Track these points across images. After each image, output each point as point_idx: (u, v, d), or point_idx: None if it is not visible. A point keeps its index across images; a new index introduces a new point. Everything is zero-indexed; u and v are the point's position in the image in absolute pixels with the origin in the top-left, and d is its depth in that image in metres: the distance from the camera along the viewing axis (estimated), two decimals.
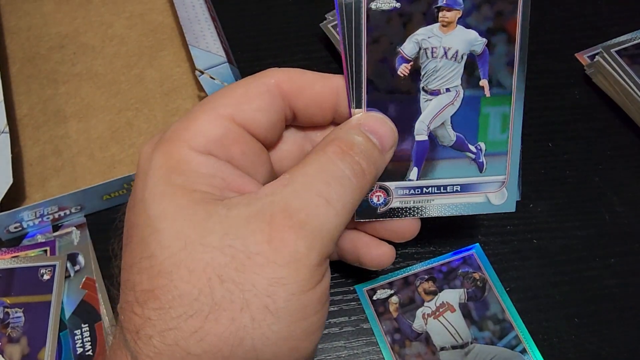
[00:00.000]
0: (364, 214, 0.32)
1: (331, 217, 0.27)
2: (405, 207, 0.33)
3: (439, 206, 0.33)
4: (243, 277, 0.25)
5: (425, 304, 0.39)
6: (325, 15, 0.51)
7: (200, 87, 0.46)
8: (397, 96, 0.31)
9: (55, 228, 0.43)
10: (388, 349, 0.37)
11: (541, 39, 0.51)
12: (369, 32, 0.30)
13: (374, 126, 0.30)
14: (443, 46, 0.30)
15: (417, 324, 0.38)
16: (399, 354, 0.37)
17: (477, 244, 0.41)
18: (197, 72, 0.45)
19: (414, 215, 0.33)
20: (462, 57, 0.31)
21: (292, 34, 0.52)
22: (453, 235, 0.42)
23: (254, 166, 0.30)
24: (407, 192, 0.32)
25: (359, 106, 0.31)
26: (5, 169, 0.39)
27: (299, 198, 0.26)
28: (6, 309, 0.38)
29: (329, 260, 0.28)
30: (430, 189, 0.32)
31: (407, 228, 0.34)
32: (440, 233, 0.41)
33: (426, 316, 0.38)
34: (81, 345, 0.38)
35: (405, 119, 0.31)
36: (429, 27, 0.30)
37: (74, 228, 0.42)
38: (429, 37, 0.30)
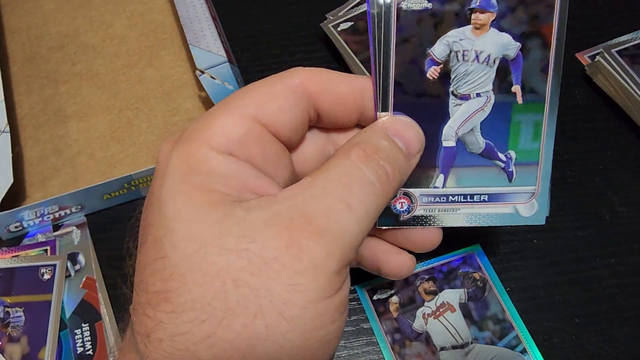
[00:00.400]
0: (386, 221, 0.31)
1: (352, 224, 0.26)
2: (430, 216, 0.31)
3: (465, 216, 0.31)
4: (258, 282, 0.24)
5: (426, 303, 0.39)
6: (326, 15, 0.51)
7: (200, 87, 0.46)
8: (426, 100, 0.30)
9: (56, 227, 0.43)
10: (388, 348, 0.37)
11: None
12: (399, 32, 0.29)
13: (400, 130, 0.29)
14: (475, 49, 0.29)
15: (418, 324, 0.38)
16: (399, 353, 0.37)
17: (478, 244, 0.41)
18: (197, 72, 0.45)
19: (437, 225, 0.32)
20: (494, 62, 0.30)
21: (293, 33, 0.52)
22: (453, 235, 0.42)
23: (274, 168, 0.29)
24: (432, 200, 0.31)
25: (385, 109, 0.30)
26: (5, 168, 0.40)
27: (320, 203, 0.26)
28: (6, 309, 0.38)
29: (349, 268, 0.27)
30: (456, 197, 0.31)
31: (429, 238, 0.32)
32: None
33: (426, 316, 0.38)
34: (81, 344, 0.38)
35: (433, 124, 0.30)
36: (460, 29, 0.29)
37: (75, 227, 0.42)
38: (460, 40, 0.29)
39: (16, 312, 0.38)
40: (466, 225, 0.32)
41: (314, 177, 0.27)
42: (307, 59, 0.51)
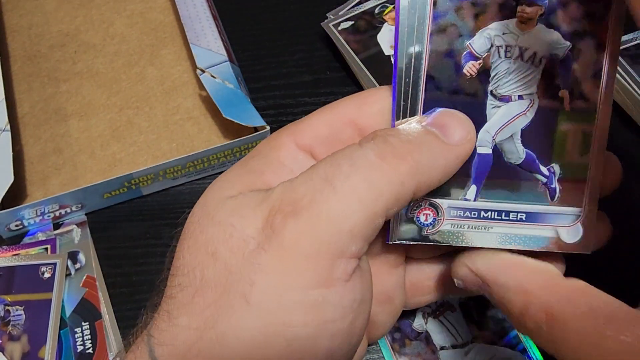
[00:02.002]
0: (408, 234, 0.27)
1: (335, 203, 0.23)
2: (458, 232, 0.27)
3: (498, 236, 0.27)
4: (234, 259, 0.23)
5: None
6: (327, 14, 0.51)
7: (201, 86, 0.46)
8: (460, 98, 0.26)
9: (56, 226, 0.43)
10: (388, 348, 0.37)
11: None
12: (435, 20, 0.25)
13: (434, 117, 0.26)
14: (519, 45, 0.26)
15: (417, 323, 0.38)
16: (399, 353, 0.37)
17: None
18: (198, 71, 0.45)
19: (467, 244, 0.27)
20: (540, 61, 0.26)
21: (293, 32, 0.52)
22: None
23: None
24: (462, 214, 0.27)
25: (413, 113, 0.26)
26: (6, 167, 0.40)
27: (308, 182, 0.24)
28: (7, 307, 0.38)
29: (350, 266, 0.24)
30: (489, 213, 0.27)
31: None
32: None
33: (426, 315, 0.38)
34: (81, 343, 0.38)
35: None
36: (504, 22, 0.26)
37: (75, 226, 0.42)
38: (503, 34, 0.26)
39: (16, 310, 0.38)
40: (498, 247, 0.27)
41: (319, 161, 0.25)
42: (308, 58, 0.51)
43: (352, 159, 0.24)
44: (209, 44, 0.46)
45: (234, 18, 0.53)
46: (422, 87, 0.26)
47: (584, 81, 0.26)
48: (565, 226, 0.27)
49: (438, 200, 0.27)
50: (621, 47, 0.46)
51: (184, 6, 0.49)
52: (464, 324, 0.38)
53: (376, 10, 0.51)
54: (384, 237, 0.27)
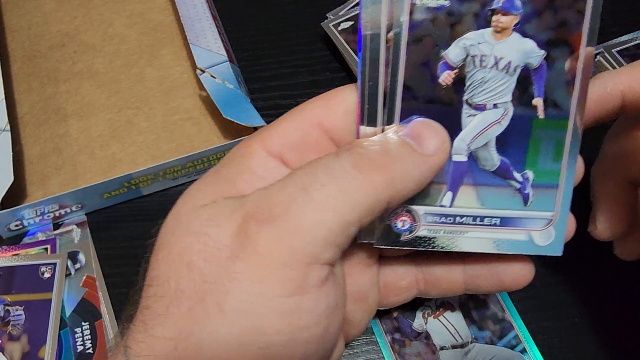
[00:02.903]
0: (385, 239, 0.28)
1: (309, 211, 0.23)
2: (434, 237, 0.28)
3: (473, 240, 0.28)
4: (209, 267, 0.24)
5: (426, 303, 0.39)
6: (327, 14, 0.51)
7: (201, 86, 0.46)
8: (436, 107, 0.27)
9: (56, 226, 0.43)
10: (388, 348, 0.37)
11: None
12: (411, 29, 0.26)
13: (409, 127, 0.26)
14: (494, 55, 0.26)
15: (417, 323, 0.38)
16: (398, 353, 0.37)
17: None
18: (198, 71, 0.45)
19: (443, 248, 0.28)
20: (514, 70, 0.27)
21: (293, 32, 0.52)
22: None
23: None
24: (438, 220, 0.28)
25: (390, 121, 0.27)
26: (6, 167, 0.40)
27: (284, 191, 0.24)
28: (7, 307, 0.38)
29: (323, 272, 0.24)
30: (464, 218, 0.28)
31: (522, 275, 0.30)
32: None
33: (426, 315, 0.38)
34: (82, 343, 0.38)
35: None
36: (480, 31, 0.26)
37: (75, 226, 0.42)
38: (478, 43, 0.26)
39: (16, 310, 0.38)
40: (473, 251, 0.28)
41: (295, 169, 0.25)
42: (308, 58, 0.51)
43: (328, 169, 0.24)
44: (209, 44, 0.46)
45: (234, 18, 0.53)
46: (398, 101, 0.26)
47: (558, 89, 0.27)
48: (538, 230, 0.28)
49: (414, 207, 0.28)
50: (621, 47, 0.46)
51: (184, 6, 0.48)
52: (464, 324, 0.38)
53: None
54: (355, 237, 0.27)
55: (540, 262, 0.41)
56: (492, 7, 0.26)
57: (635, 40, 0.47)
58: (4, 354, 0.37)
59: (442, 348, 0.37)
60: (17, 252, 0.41)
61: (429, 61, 0.26)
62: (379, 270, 0.31)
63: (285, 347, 0.24)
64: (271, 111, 0.48)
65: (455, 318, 0.38)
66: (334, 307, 0.25)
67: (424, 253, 0.30)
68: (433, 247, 0.28)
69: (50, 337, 0.37)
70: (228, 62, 0.45)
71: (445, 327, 0.38)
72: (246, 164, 0.27)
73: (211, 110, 0.46)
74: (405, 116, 0.27)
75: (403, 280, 0.32)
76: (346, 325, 0.30)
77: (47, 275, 0.40)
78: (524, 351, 0.37)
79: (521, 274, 0.30)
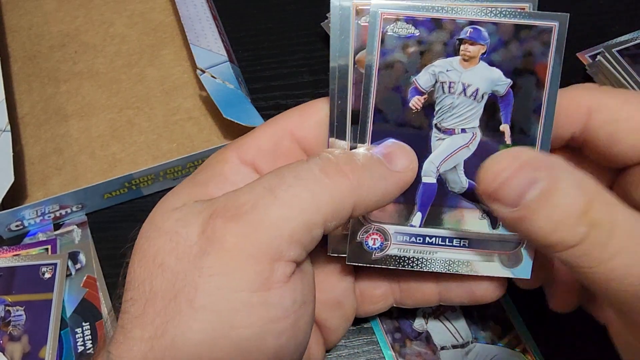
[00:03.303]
0: (356, 257, 0.29)
1: (275, 209, 0.24)
2: (404, 257, 0.29)
3: (442, 261, 0.29)
4: (180, 266, 0.24)
5: None
6: (327, 15, 0.51)
7: (201, 86, 0.46)
8: (406, 130, 0.28)
9: (57, 226, 0.43)
10: (388, 348, 0.37)
11: None
12: (382, 56, 0.27)
13: (380, 146, 0.27)
14: (462, 82, 0.27)
15: (418, 323, 0.38)
16: (399, 353, 0.37)
17: None
18: (198, 71, 0.45)
19: (413, 267, 0.29)
20: (482, 97, 0.28)
21: (293, 33, 0.52)
22: None
23: None
24: (408, 240, 0.29)
25: (362, 140, 0.28)
26: (6, 167, 0.40)
27: (251, 192, 0.25)
28: (7, 307, 0.38)
29: (288, 268, 0.25)
30: (434, 239, 0.29)
31: (492, 290, 0.30)
32: None
33: (427, 315, 0.38)
34: (82, 343, 0.38)
35: None
36: (448, 59, 0.27)
37: (75, 226, 0.43)
38: (447, 71, 0.27)
39: (17, 311, 0.38)
40: (443, 272, 0.29)
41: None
42: (308, 59, 0.51)
43: (296, 172, 0.25)
44: (209, 44, 0.46)
45: (234, 18, 0.53)
46: (369, 123, 0.28)
47: (524, 116, 0.28)
48: (506, 252, 0.29)
49: (385, 226, 0.29)
50: (621, 47, 0.46)
51: (184, 6, 0.48)
52: (465, 324, 0.38)
53: None
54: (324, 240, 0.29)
55: None
56: (460, 37, 0.27)
57: (635, 40, 0.47)
58: (4, 355, 0.37)
59: (442, 348, 0.37)
60: (17, 252, 0.41)
61: (399, 86, 0.27)
62: (355, 279, 0.32)
63: (257, 340, 0.24)
64: (272, 111, 0.48)
65: (455, 318, 0.38)
66: (301, 302, 0.26)
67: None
68: (403, 266, 0.29)
69: (51, 338, 0.37)
70: (228, 62, 0.45)
71: (445, 327, 0.38)
72: (219, 169, 0.28)
73: (212, 110, 0.46)
74: (376, 138, 0.28)
75: (378, 289, 0.32)
76: (324, 331, 0.31)
77: (47, 275, 0.40)
78: (524, 351, 0.37)
79: (492, 289, 0.31)
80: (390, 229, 0.29)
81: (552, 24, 0.27)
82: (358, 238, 0.29)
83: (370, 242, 0.29)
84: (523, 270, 0.29)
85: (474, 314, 0.38)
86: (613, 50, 0.46)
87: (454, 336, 0.37)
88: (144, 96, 0.48)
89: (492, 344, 0.37)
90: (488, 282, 0.30)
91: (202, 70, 0.45)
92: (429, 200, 0.28)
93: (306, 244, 0.25)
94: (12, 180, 0.39)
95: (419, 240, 0.29)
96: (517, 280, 0.31)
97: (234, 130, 0.45)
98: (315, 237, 0.25)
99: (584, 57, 0.49)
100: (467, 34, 0.27)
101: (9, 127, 0.42)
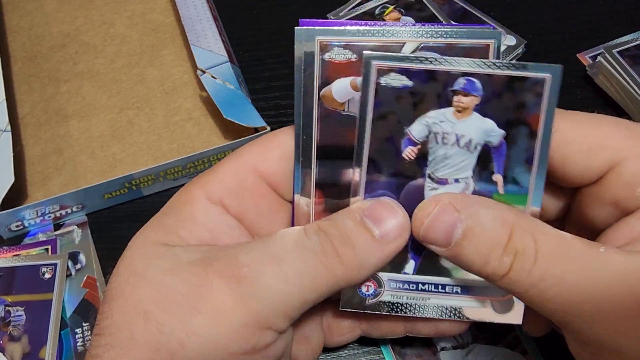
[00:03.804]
0: (350, 303, 0.30)
1: (277, 282, 0.25)
2: (397, 303, 0.30)
3: (435, 307, 0.30)
4: (165, 317, 0.24)
5: None
6: (327, 15, 0.51)
7: (201, 87, 0.46)
8: (400, 180, 0.28)
9: (57, 227, 0.43)
10: (388, 348, 0.37)
11: (543, 40, 0.51)
12: (376, 107, 0.27)
13: (377, 212, 0.27)
14: (455, 132, 0.28)
15: None
16: (399, 353, 0.37)
17: None
18: (198, 72, 0.45)
19: (406, 313, 0.30)
20: (475, 147, 0.28)
21: (294, 33, 0.52)
22: None
23: (267, 223, 0.29)
24: (401, 287, 0.29)
25: (354, 194, 0.28)
26: (6, 167, 0.40)
27: (250, 254, 0.25)
28: (7, 308, 0.38)
29: (274, 337, 0.26)
30: (427, 286, 0.29)
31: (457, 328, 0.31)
32: None
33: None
34: (82, 343, 0.38)
35: (406, 207, 0.28)
36: (441, 110, 0.27)
37: (75, 227, 0.43)
38: (440, 121, 0.27)
39: (17, 311, 0.38)
40: (435, 317, 0.30)
41: (263, 235, 0.27)
42: None
43: (301, 248, 0.25)
44: (210, 45, 0.46)
45: (234, 19, 0.53)
46: (362, 173, 0.28)
47: (517, 167, 0.28)
48: (498, 299, 0.29)
49: (379, 274, 0.29)
50: (621, 48, 0.46)
51: (185, 7, 0.49)
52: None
53: (377, 11, 0.51)
54: None
55: None
56: (454, 88, 0.27)
57: (636, 40, 0.47)
58: (4, 355, 0.37)
59: (442, 348, 0.37)
60: (17, 252, 0.41)
61: (393, 137, 0.28)
62: (322, 312, 0.33)
63: None
64: (272, 111, 0.48)
65: None
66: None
67: None
68: (396, 312, 0.30)
69: (51, 338, 0.37)
70: (228, 63, 0.45)
71: None
72: (188, 211, 0.28)
73: (212, 110, 0.46)
74: (371, 189, 0.28)
75: (345, 321, 0.33)
76: None
77: (47, 275, 0.40)
78: (524, 351, 0.37)
79: (456, 325, 0.31)
80: (384, 276, 0.29)
81: (545, 75, 0.27)
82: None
83: (364, 289, 0.29)
84: (515, 315, 0.30)
85: None
86: (613, 51, 0.46)
87: (454, 337, 0.37)
88: (144, 96, 0.48)
89: (492, 345, 0.37)
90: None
91: (202, 71, 0.45)
92: (422, 248, 0.28)
93: (295, 317, 0.26)
94: (13, 180, 0.39)
95: (412, 287, 0.29)
96: (527, 329, 0.33)
97: (234, 131, 0.45)
98: (304, 311, 0.26)
99: (584, 57, 0.49)
100: (461, 86, 0.27)
101: (9, 128, 0.42)
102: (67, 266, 0.40)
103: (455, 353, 0.37)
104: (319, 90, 0.28)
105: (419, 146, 0.28)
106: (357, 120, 0.27)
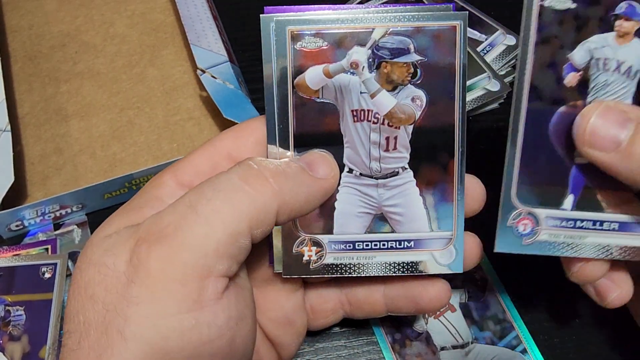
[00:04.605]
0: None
1: (198, 226, 0.24)
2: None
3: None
4: (109, 297, 0.24)
5: None
6: None
7: (201, 86, 0.46)
8: (561, 109, 0.28)
9: (57, 226, 0.43)
10: (388, 348, 0.37)
11: None
12: (539, 30, 0.27)
13: (303, 157, 0.28)
14: (617, 59, 0.27)
15: (418, 324, 0.38)
16: (399, 353, 0.37)
17: None
18: (198, 71, 0.45)
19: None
20: (635, 74, 0.28)
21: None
22: None
23: None
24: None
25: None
26: (6, 167, 0.40)
27: (172, 212, 0.25)
28: (7, 307, 0.38)
29: (222, 283, 0.25)
30: (584, 223, 0.29)
31: (436, 296, 0.31)
32: None
33: (427, 316, 0.38)
34: None
35: (565, 136, 0.28)
36: (603, 35, 0.27)
37: (75, 226, 0.43)
38: (602, 47, 0.27)
39: (17, 310, 0.38)
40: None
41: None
42: None
43: (215, 184, 0.25)
44: (210, 45, 0.46)
45: (234, 18, 0.53)
46: (525, 95, 0.28)
47: None
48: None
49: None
50: None
51: (185, 6, 0.49)
52: (465, 325, 0.38)
53: None
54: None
55: (541, 262, 0.41)
56: (616, 13, 0.27)
57: None
58: (4, 354, 0.37)
59: (442, 348, 0.37)
60: (17, 252, 0.41)
61: (555, 62, 0.27)
62: (304, 295, 0.33)
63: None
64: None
65: (455, 318, 0.38)
66: (237, 319, 0.25)
67: (346, 277, 0.31)
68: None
69: (51, 338, 0.37)
70: (228, 63, 0.45)
71: (445, 327, 0.38)
72: (155, 193, 0.28)
73: (212, 110, 0.46)
74: (529, 115, 0.28)
75: (328, 303, 0.33)
76: (277, 348, 0.32)
77: (47, 275, 0.40)
78: (524, 351, 0.37)
79: (436, 296, 0.31)
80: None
81: None
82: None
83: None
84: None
85: (474, 314, 0.38)
86: None
87: (454, 337, 0.37)
88: (145, 96, 0.48)
89: (492, 345, 0.37)
90: (433, 288, 0.31)
91: (202, 71, 0.45)
92: (581, 181, 0.28)
93: (235, 255, 0.25)
94: (12, 180, 0.39)
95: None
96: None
97: None
98: (244, 247, 0.25)
99: None
100: (623, 10, 0.27)
101: (9, 127, 0.42)
102: (67, 266, 0.40)
103: (455, 353, 0.37)
104: (293, 79, 0.28)
105: (580, 72, 0.28)
106: (520, 43, 0.27)
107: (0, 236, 0.42)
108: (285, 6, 0.29)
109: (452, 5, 0.28)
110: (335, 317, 0.34)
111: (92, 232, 0.42)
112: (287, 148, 0.29)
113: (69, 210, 0.42)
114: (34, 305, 0.38)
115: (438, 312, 0.38)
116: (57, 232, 0.42)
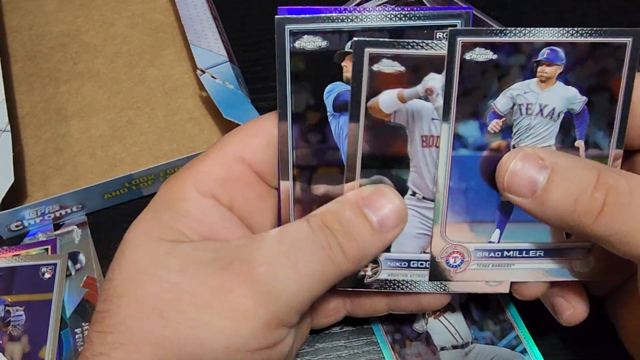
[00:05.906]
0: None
1: (292, 282, 0.26)
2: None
3: (520, 271, 0.31)
4: (181, 317, 0.24)
5: None
6: None
7: (201, 87, 0.46)
8: (485, 154, 0.29)
9: (57, 227, 0.43)
10: (388, 348, 0.37)
11: None
12: (461, 83, 0.28)
13: (376, 204, 0.28)
14: (539, 103, 0.28)
15: (418, 324, 0.38)
16: (399, 353, 0.37)
17: None
18: (198, 72, 0.45)
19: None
20: (558, 116, 0.28)
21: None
22: None
23: (257, 211, 0.29)
24: (487, 255, 0.30)
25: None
26: (6, 167, 0.40)
27: (264, 254, 0.26)
28: (7, 308, 0.38)
29: (285, 331, 0.27)
30: (511, 252, 0.30)
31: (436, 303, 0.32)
32: None
33: (427, 316, 0.38)
34: (82, 343, 0.38)
35: (492, 180, 0.29)
36: (525, 81, 0.28)
37: (75, 227, 0.43)
38: (524, 93, 0.28)
39: (17, 311, 0.38)
40: (431, 292, 0.31)
41: (269, 232, 0.27)
42: None
43: (310, 246, 0.26)
44: (210, 45, 0.46)
45: (234, 18, 0.53)
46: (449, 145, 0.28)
47: (598, 131, 0.29)
48: (579, 259, 0.30)
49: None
50: None
51: (185, 7, 0.49)
52: (465, 325, 0.38)
53: None
54: None
55: None
56: (538, 59, 0.28)
57: None
58: (4, 355, 0.37)
59: (442, 348, 0.37)
60: (17, 252, 0.41)
61: (477, 111, 0.28)
62: None
63: None
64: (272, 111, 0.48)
65: (455, 318, 0.38)
66: (287, 353, 0.28)
67: None
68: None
69: (51, 338, 0.37)
70: (228, 63, 0.45)
71: (445, 327, 0.38)
72: (183, 207, 0.28)
73: (212, 110, 0.46)
74: (455, 162, 0.29)
75: (331, 303, 0.33)
76: None
77: (47, 275, 0.40)
78: (524, 351, 0.37)
79: (437, 298, 0.32)
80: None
81: (626, 39, 0.27)
82: None
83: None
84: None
85: (474, 314, 0.38)
86: None
87: (453, 337, 0.37)
88: (145, 96, 0.48)
89: (492, 345, 0.37)
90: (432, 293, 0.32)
91: (202, 71, 0.45)
92: (505, 217, 0.30)
93: (305, 311, 0.27)
94: (12, 180, 0.39)
95: (498, 254, 0.30)
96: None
97: None
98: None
99: None
100: (545, 56, 0.28)
101: (9, 128, 0.42)
102: (67, 266, 0.40)
103: (455, 353, 0.37)
104: (367, 101, 0.29)
105: (503, 118, 0.29)
106: (443, 97, 0.28)
107: (0, 236, 0.42)
108: (299, 7, 0.30)
109: (464, 8, 0.29)
110: (337, 316, 0.34)
111: (92, 232, 0.42)
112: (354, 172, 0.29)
113: (68, 210, 0.42)
114: (34, 305, 0.38)
115: (438, 312, 0.38)
116: (57, 232, 0.42)
